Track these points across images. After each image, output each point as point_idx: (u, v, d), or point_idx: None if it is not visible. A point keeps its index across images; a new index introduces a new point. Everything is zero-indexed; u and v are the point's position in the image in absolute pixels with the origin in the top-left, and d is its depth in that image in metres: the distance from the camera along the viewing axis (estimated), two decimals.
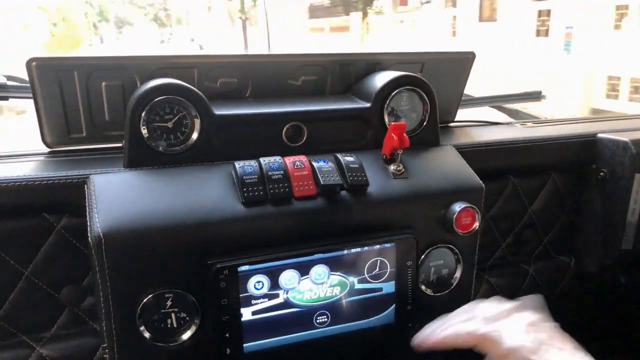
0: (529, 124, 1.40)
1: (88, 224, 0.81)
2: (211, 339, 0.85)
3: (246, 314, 0.86)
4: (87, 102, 0.97)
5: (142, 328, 0.82)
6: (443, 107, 1.14)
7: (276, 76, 1.08)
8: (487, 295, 1.27)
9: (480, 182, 1.02)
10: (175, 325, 0.84)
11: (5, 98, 1.10)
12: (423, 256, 0.99)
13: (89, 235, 0.80)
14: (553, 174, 1.28)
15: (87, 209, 0.83)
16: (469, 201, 0.98)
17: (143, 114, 0.88)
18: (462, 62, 1.22)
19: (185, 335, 0.85)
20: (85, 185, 0.87)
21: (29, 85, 0.95)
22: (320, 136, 1.01)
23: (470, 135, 1.25)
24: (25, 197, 0.87)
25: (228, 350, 0.85)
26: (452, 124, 1.34)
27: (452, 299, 1.04)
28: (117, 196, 0.83)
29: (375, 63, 1.13)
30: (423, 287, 1.01)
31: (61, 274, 0.93)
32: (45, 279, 0.93)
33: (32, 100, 0.96)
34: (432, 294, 1.02)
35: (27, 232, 0.90)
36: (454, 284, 1.03)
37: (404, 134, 0.96)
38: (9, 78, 1.10)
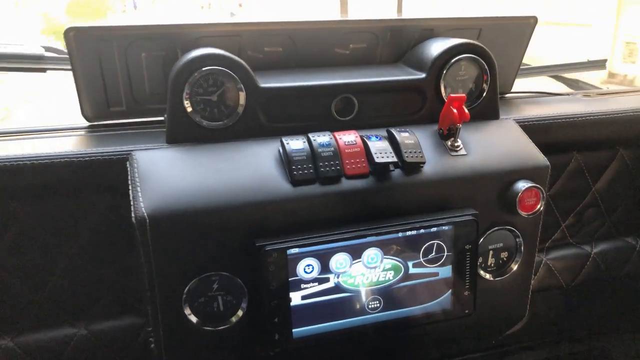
0: (593, 95, 1.29)
1: (132, 203, 0.77)
2: (259, 323, 0.82)
3: (295, 298, 0.81)
4: (126, 74, 0.93)
5: (188, 312, 0.79)
6: (501, 77, 1.06)
7: (324, 44, 1.01)
8: (545, 279, 1.20)
9: (545, 159, 0.93)
10: (222, 309, 0.81)
11: (43, 70, 1.06)
12: (482, 239, 0.92)
13: (132, 215, 0.76)
14: (621, 149, 1.19)
15: (130, 187, 0.79)
16: (533, 180, 0.91)
17: (186, 87, 0.83)
18: (522, 27, 1.12)
19: (233, 319, 0.81)
20: (128, 162, 0.83)
21: (67, 56, 0.91)
22: (371, 109, 0.94)
23: (530, 108, 1.16)
24: (65, 174, 0.84)
25: (277, 336, 0.82)
26: (508, 95, 1.25)
27: (511, 284, 0.97)
28: (161, 174, 0.79)
29: (429, 29, 1.05)
30: (481, 272, 0.94)
31: (104, 254, 0.91)
32: (88, 259, 0.90)
33: (70, 73, 0.92)
34: (491, 278, 0.95)
35: (68, 210, 0.87)
36: (514, 269, 0.96)
37: (464, 108, 0.88)
38: (47, 49, 1.06)
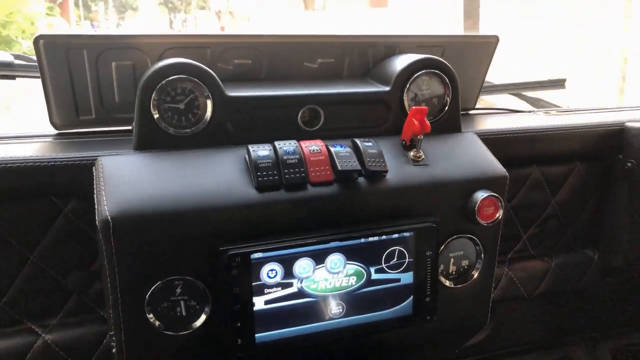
0: (553, 112, 1.34)
1: (96, 207, 0.78)
2: (222, 328, 0.82)
3: (258, 303, 0.82)
4: (96, 83, 0.94)
5: (150, 316, 0.79)
6: (464, 94, 1.10)
7: (292, 58, 1.04)
8: (507, 290, 1.23)
9: (504, 170, 0.97)
10: (184, 314, 0.81)
11: (13, 77, 1.07)
12: (443, 246, 0.95)
13: (96, 218, 0.76)
14: (578, 163, 1.23)
15: (95, 191, 0.80)
16: (492, 190, 0.94)
17: (154, 94, 0.85)
18: (484, 46, 1.17)
19: (195, 324, 0.82)
20: (94, 167, 0.84)
21: (37, 64, 0.92)
22: (337, 120, 0.97)
23: (492, 123, 1.20)
24: (31, 178, 0.84)
25: (239, 340, 0.82)
26: (472, 112, 1.29)
27: (472, 291, 1.00)
28: (126, 179, 0.80)
29: (394, 46, 1.08)
30: (442, 279, 0.97)
31: (68, 259, 0.91)
32: (51, 264, 0.90)
33: (40, 80, 0.93)
34: (452, 285, 0.98)
35: (33, 215, 0.87)
36: (475, 276, 0.99)
37: (425, 119, 0.92)
38: (17, 57, 1.07)
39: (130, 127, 0.97)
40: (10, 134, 0.99)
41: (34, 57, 0.94)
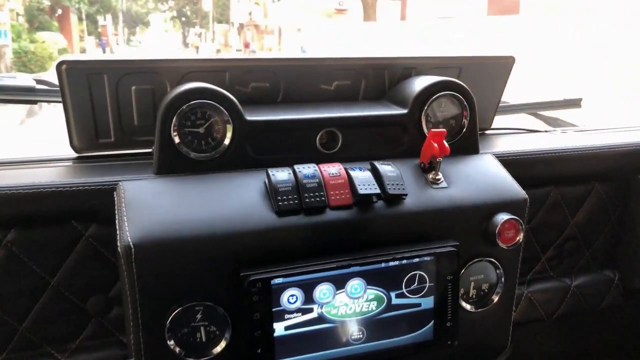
0: (570, 132, 1.34)
1: (117, 232, 0.78)
2: (242, 354, 0.81)
3: (279, 329, 0.82)
4: (116, 107, 0.95)
5: (171, 342, 0.79)
6: (480, 114, 1.10)
7: (309, 81, 1.05)
8: (526, 312, 1.21)
9: (524, 192, 0.96)
10: (204, 340, 0.81)
11: (34, 102, 1.08)
12: (463, 270, 0.94)
13: (118, 244, 0.76)
14: (597, 184, 1.22)
15: (116, 216, 0.80)
16: (512, 213, 0.93)
17: (174, 119, 0.85)
18: (500, 67, 1.17)
19: (215, 350, 0.81)
20: (115, 192, 0.84)
21: (58, 89, 0.93)
22: (355, 143, 0.97)
23: (508, 144, 1.20)
24: (53, 203, 0.84)
25: None
26: (488, 132, 1.29)
27: (493, 315, 0.99)
28: (148, 204, 0.80)
29: (411, 67, 1.09)
30: (462, 303, 0.96)
31: (88, 284, 0.91)
32: (71, 289, 0.90)
33: (61, 105, 0.94)
34: (472, 309, 0.97)
35: (54, 240, 0.87)
36: (495, 300, 0.98)
37: (444, 142, 0.92)
38: (39, 82, 1.08)
39: (148, 150, 0.98)
40: (31, 157, 1.00)
41: (55, 82, 0.95)
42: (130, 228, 0.76)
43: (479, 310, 0.97)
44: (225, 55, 1.18)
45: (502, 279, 0.97)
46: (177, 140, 0.86)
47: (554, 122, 1.50)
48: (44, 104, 1.10)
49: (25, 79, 1.07)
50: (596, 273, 1.29)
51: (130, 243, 0.75)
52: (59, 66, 0.90)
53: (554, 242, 1.22)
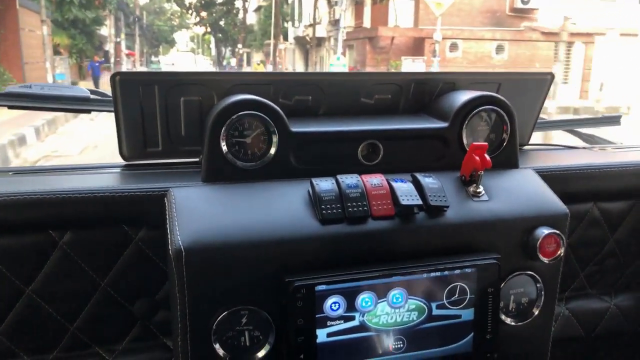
0: (609, 149, 1.33)
1: (168, 237, 0.81)
2: (285, 359, 0.83)
3: (321, 335, 0.83)
4: (165, 116, 0.99)
5: (217, 346, 0.81)
6: (519, 129, 1.10)
7: (350, 94, 1.07)
8: (565, 328, 1.20)
9: (565, 207, 0.96)
10: (248, 344, 0.83)
11: (88, 111, 1.14)
12: (504, 283, 0.94)
13: (169, 248, 0.79)
14: (637, 201, 1.21)
15: (167, 222, 0.83)
16: (553, 227, 0.93)
17: (223, 129, 0.89)
18: (539, 83, 1.18)
19: (259, 355, 0.83)
20: (165, 198, 0.87)
21: (110, 99, 0.97)
22: (396, 155, 0.98)
23: (547, 159, 1.20)
24: (105, 208, 0.88)
25: None
26: (526, 147, 1.29)
27: (532, 329, 0.98)
28: (197, 210, 0.83)
29: (451, 83, 1.10)
30: (502, 316, 0.96)
31: (135, 287, 0.94)
32: (120, 291, 0.93)
33: (112, 114, 0.98)
34: (512, 323, 0.96)
35: (105, 243, 0.91)
36: (535, 314, 0.97)
37: (485, 155, 0.93)
38: (93, 92, 1.14)
39: (194, 160, 1.02)
40: (83, 164, 1.04)
41: (107, 93, 0.99)
42: (181, 233, 0.79)
43: (518, 324, 0.97)
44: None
45: (542, 294, 0.97)
46: (225, 149, 0.89)
47: (590, 139, 1.49)
48: None
49: (80, 90, 1.13)
50: (637, 292, 1.27)
51: (182, 247, 0.77)
52: (113, 77, 0.94)
53: (593, 259, 1.21)
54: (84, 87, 1.01)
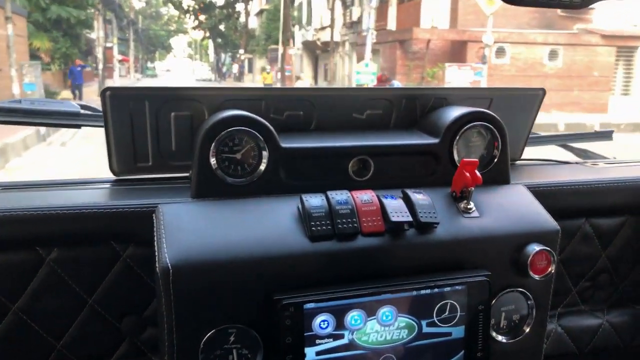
0: (601, 164, 1.33)
1: (156, 254, 0.80)
2: None
3: (310, 354, 0.82)
4: (155, 132, 0.98)
5: None
6: (510, 145, 1.10)
7: (342, 110, 1.07)
8: (557, 345, 1.19)
9: (556, 224, 0.96)
10: None
11: (78, 126, 1.13)
12: (494, 300, 0.93)
13: (156, 265, 0.79)
14: (629, 217, 1.21)
15: (155, 239, 0.83)
16: (544, 243, 0.93)
17: (213, 145, 0.88)
18: (531, 99, 1.18)
19: None
20: (154, 215, 0.86)
21: (101, 114, 0.97)
22: (386, 171, 0.98)
23: (539, 174, 1.20)
24: (93, 224, 0.87)
25: None
26: (518, 162, 1.29)
27: (524, 346, 0.97)
28: (186, 227, 0.83)
29: (442, 98, 1.10)
30: (493, 333, 0.95)
31: (123, 304, 0.93)
32: (107, 308, 0.92)
33: (102, 129, 0.97)
34: (503, 340, 0.96)
35: (93, 259, 0.90)
36: (526, 331, 0.97)
37: (476, 172, 0.92)
38: (83, 107, 1.13)
39: (185, 174, 1.01)
40: (72, 180, 1.03)
41: (97, 108, 0.99)
42: (168, 250, 0.78)
43: (509, 341, 0.96)
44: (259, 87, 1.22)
45: (533, 311, 0.96)
46: (214, 165, 0.89)
47: (583, 154, 1.49)
48: None
49: (70, 105, 1.13)
50: (630, 308, 1.26)
51: (169, 265, 0.77)
52: (103, 92, 0.94)
53: (585, 275, 1.21)
54: (66, 96, 1.00)
